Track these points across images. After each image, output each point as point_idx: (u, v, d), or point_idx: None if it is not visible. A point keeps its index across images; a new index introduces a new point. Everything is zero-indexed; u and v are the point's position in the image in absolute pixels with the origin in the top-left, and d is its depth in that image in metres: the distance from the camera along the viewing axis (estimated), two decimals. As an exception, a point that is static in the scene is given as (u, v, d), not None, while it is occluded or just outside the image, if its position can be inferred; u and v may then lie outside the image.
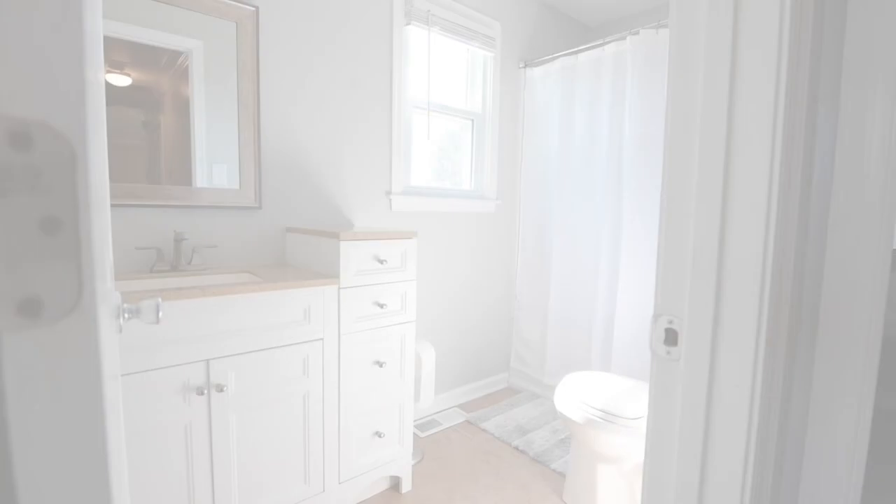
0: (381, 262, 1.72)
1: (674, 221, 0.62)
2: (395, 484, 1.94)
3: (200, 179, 1.72)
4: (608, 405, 1.64)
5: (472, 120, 2.72)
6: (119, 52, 1.53)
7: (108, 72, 1.51)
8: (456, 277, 2.68)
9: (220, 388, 1.35)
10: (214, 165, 1.75)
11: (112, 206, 1.53)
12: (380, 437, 1.78)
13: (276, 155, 1.91)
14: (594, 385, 1.79)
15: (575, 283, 2.69)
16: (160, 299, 0.78)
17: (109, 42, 1.50)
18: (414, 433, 2.38)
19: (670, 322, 0.62)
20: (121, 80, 1.55)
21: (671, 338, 0.61)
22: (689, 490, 0.61)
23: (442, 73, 2.55)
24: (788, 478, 0.65)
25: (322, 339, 1.58)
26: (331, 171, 2.09)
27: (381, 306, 1.73)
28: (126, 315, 0.76)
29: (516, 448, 2.27)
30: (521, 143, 2.95)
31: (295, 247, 1.88)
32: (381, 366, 1.76)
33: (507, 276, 3.01)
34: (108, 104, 1.46)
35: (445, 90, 2.58)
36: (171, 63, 1.63)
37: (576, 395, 1.73)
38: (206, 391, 1.33)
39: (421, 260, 2.48)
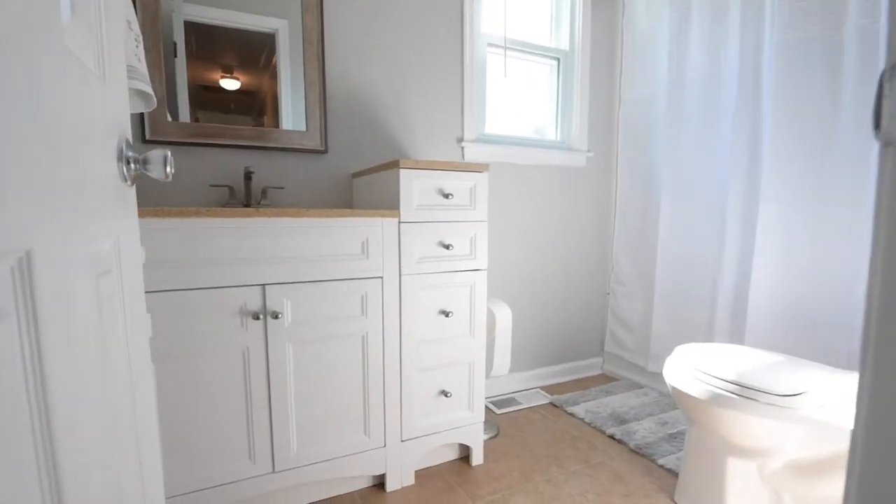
0: (446, 196, 1.56)
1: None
2: (465, 456, 1.75)
3: (279, 119, 1.78)
4: (745, 378, 1.24)
5: (559, 59, 2.47)
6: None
7: None
8: (538, 242, 2.44)
9: (275, 315, 1.32)
10: (291, 106, 1.79)
11: (186, 144, 1.63)
12: (446, 396, 1.61)
13: (341, 98, 1.89)
14: (722, 356, 1.39)
15: (691, 249, 2.20)
16: (169, 153, 0.70)
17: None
18: (488, 408, 2.18)
19: None
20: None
21: None
22: None
23: (522, 6, 2.34)
24: None
25: (381, 277, 1.47)
26: (397, 116, 2.00)
27: (447, 247, 1.57)
28: (133, 165, 0.68)
29: (611, 437, 1.97)
30: (619, 84, 2.62)
31: (360, 192, 1.81)
32: (447, 315, 1.59)
33: (600, 243, 2.69)
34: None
35: (526, 26, 2.37)
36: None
37: (696, 367, 1.35)
38: (261, 316, 1.31)
39: (497, 218, 2.28)
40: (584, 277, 2.64)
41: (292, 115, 1.79)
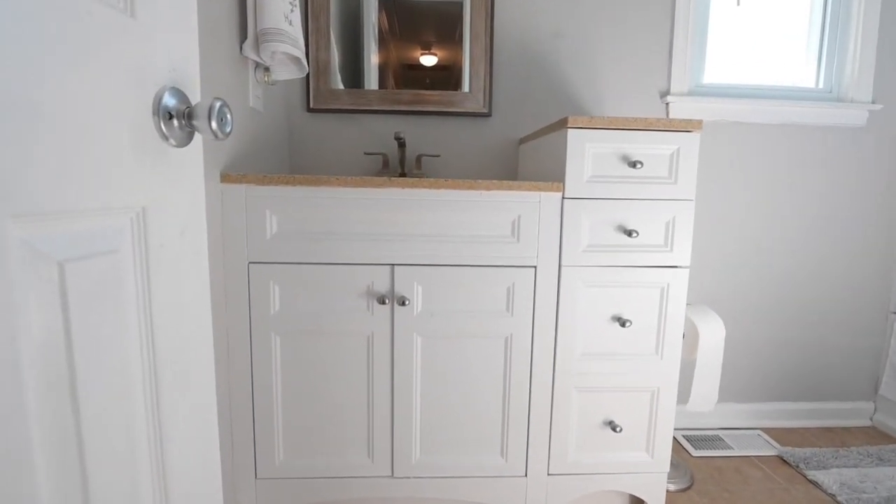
0: (633, 165, 1.04)
1: None
2: (638, 508, 1.23)
3: (461, 84, 1.50)
4: None
5: (831, -27, 1.56)
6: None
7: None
8: (774, 234, 1.64)
9: (402, 302, 1.04)
10: (464, 71, 1.49)
11: (343, 111, 1.46)
12: (614, 431, 1.12)
13: (510, 50, 1.50)
14: None
15: None
16: (220, 102, 0.49)
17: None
18: (678, 444, 1.56)
19: None
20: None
21: None
22: None
23: None
24: None
25: (535, 266, 1.06)
26: (580, 67, 1.51)
27: (630, 234, 1.06)
28: (177, 120, 0.49)
29: None
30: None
31: (526, 160, 1.42)
32: (623, 325, 1.09)
33: (882, 237, 1.68)
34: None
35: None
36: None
37: None
38: (388, 300, 1.05)
39: (708, 199, 1.59)
40: (851, 287, 1.69)
41: (453, 72, 1.49)
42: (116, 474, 0.44)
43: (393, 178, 1.02)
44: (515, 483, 1.13)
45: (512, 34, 1.48)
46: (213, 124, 0.47)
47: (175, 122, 0.49)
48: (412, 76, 1.48)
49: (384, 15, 1.45)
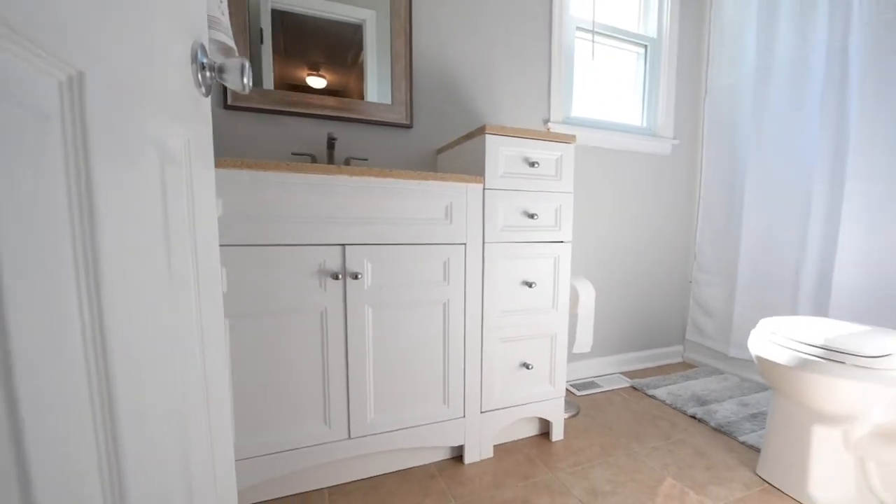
0: (532, 164, 1.33)
1: None
2: (545, 432, 1.50)
3: (364, 93, 1.57)
4: (832, 342, 1.06)
5: (646, 46, 2.12)
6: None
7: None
8: (620, 226, 2.11)
9: (355, 276, 1.13)
10: (367, 77, 1.57)
11: (271, 112, 1.44)
12: (527, 369, 1.38)
13: (427, 74, 1.67)
14: (807, 325, 1.19)
15: (774, 235, 1.88)
16: (247, 62, 0.55)
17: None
18: (568, 390, 1.90)
19: None
20: None
21: None
22: None
23: (609, -7, 2.04)
24: None
25: (464, 243, 1.26)
26: (484, 94, 1.78)
27: (532, 217, 1.33)
28: (208, 72, 0.55)
29: (693, 416, 1.65)
30: (705, 73, 2.21)
31: (444, 168, 1.62)
32: (530, 286, 1.36)
33: (684, 231, 2.29)
34: None
35: (615, 11, 2.06)
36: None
37: (780, 334, 1.17)
38: (340, 276, 1.12)
39: (581, 202, 1.99)
40: (666, 265, 2.26)
41: (378, 88, 1.57)
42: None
43: (342, 167, 1.10)
44: (456, 424, 1.30)
45: (429, 58, 1.66)
46: (245, 79, 0.54)
47: (207, 73, 0.54)
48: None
49: (271, 27, 1.41)
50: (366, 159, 1.55)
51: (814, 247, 1.74)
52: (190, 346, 0.51)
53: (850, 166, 1.59)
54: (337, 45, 1.51)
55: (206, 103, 0.59)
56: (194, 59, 0.53)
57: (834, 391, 1.05)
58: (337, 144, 1.54)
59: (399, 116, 1.61)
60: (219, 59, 0.55)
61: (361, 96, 1.56)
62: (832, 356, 1.05)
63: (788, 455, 1.19)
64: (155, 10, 0.43)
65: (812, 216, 1.74)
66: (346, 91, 1.54)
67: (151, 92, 0.42)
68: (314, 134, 1.52)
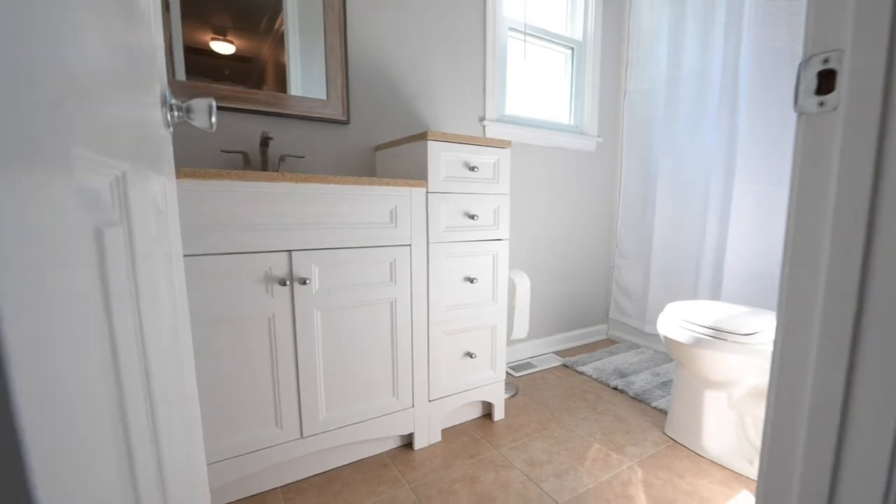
0: (471, 169, 1.39)
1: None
2: (487, 413, 1.62)
3: (294, 86, 1.50)
4: (718, 323, 1.29)
5: (573, 49, 2.25)
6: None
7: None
8: (551, 219, 2.26)
9: (302, 281, 1.13)
10: (300, 71, 1.51)
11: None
12: (471, 357, 1.47)
13: (364, 69, 1.64)
14: (702, 309, 1.42)
15: (681, 226, 2.14)
16: (214, 102, 0.56)
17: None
18: (508, 373, 2.04)
19: (825, 61, 0.40)
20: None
21: (825, 84, 0.40)
22: (850, 264, 0.37)
23: (539, -3, 2.12)
24: None
25: (410, 244, 1.31)
26: (421, 91, 1.79)
27: (472, 217, 1.41)
28: (176, 112, 0.55)
29: (615, 388, 1.86)
30: (626, 75, 2.40)
31: (384, 164, 1.62)
32: (472, 282, 1.44)
33: (606, 221, 2.50)
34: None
35: (545, 14, 2.15)
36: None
37: (681, 317, 1.38)
38: (288, 282, 1.12)
39: (515, 195, 2.10)
40: (592, 252, 2.47)
41: (312, 83, 1.51)
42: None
43: (285, 174, 1.09)
44: (406, 414, 1.37)
45: (366, 53, 1.64)
46: (213, 119, 0.56)
47: (175, 113, 0.56)
48: (204, 64, 1.31)
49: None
50: (302, 157, 1.51)
51: (711, 238, 2.00)
52: (172, 357, 0.53)
53: (739, 169, 1.84)
54: (247, 6, 1.38)
55: (170, 142, 0.59)
56: (164, 102, 0.53)
57: (719, 363, 1.27)
58: (271, 141, 1.46)
59: (335, 112, 1.58)
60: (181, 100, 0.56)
61: (284, 74, 1.45)
62: (718, 335, 1.26)
63: (688, 415, 1.41)
64: (139, 78, 0.44)
65: (710, 211, 1.99)
66: (261, 59, 1.41)
67: (151, 160, 0.45)
68: (245, 130, 1.44)
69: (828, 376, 0.39)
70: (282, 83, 1.48)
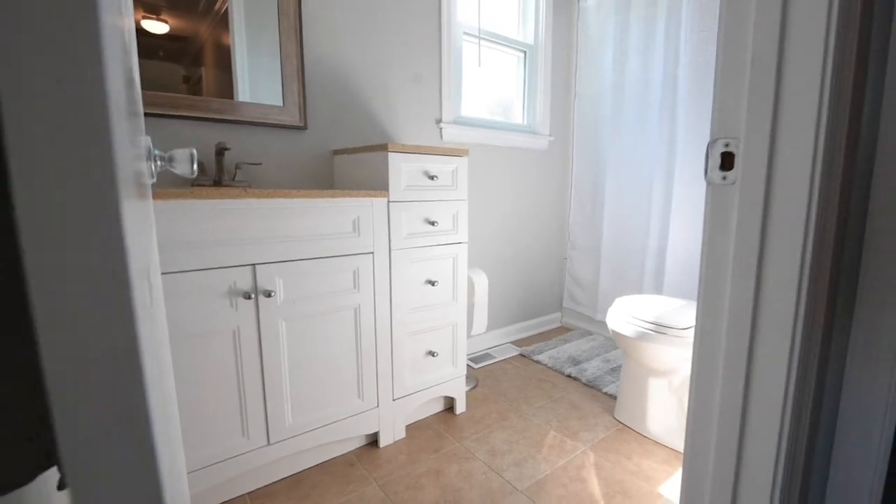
0: (431, 178, 1.43)
1: (732, 34, 0.50)
2: (450, 407, 1.70)
3: (242, 93, 1.47)
4: (659, 318, 1.42)
5: (525, 52, 2.32)
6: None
7: (155, -19, 1.28)
8: (508, 215, 2.35)
9: (267, 294, 1.14)
10: (256, 78, 1.49)
11: (149, 115, 1.27)
12: (433, 356, 1.54)
13: (320, 73, 1.62)
14: (645, 304, 1.56)
15: (628, 221, 2.30)
16: (195, 151, 0.58)
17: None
18: (468, 365, 2.13)
19: (727, 145, 0.52)
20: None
21: (727, 162, 0.52)
22: (745, 296, 0.51)
23: (494, 1, 2.16)
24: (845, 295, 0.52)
25: (372, 252, 1.34)
26: (378, 95, 1.79)
27: (433, 223, 1.45)
28: (159, 162, 0.56)
29: (569, 376, 2.00)
30: (575, 78, 2.50)
31: (343, 169, 1.62)
32: (433, 285, 1.49)
33: (559, 216, 2.63)
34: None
35: (498, 18, 2.19)
36: (216, -26, 1.38)
37: (627, 313, 1.51)
38: (253, 296, 1.13)
39: (473, 194, 2.16)
40: (546, 245, 2.59)
41: (269, 88, 1.49)
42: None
43: (248, 190, 1.10)
44: (371, 414, 1.42)
45: (322, 59, 1.62)
46: (195, 167, 0.58)
47: (158, 163, 0.57)
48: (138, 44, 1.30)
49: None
50: (259, 163, 1.49)
51: (654, 235, 2.17)
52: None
53: (678, 171, 2.00)
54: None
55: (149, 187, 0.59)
56: (148, 155, 0.53)
57: (659, 354, 1.41)
58: (227, 151, 1.41)
59: (292, 118, 1.56)
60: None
61: (231, 83, 1.42)
62: (658, 329, 1.40)
63: (634, 401, 1.55)
64: (135, 131, 0.44)
65: (653, 209, 2.15)
66: (199, 39, 1.35)
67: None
68: (198, 137, 1.39)
69: (732, 372, 0.51)
70: (224, 64, 1.42)
